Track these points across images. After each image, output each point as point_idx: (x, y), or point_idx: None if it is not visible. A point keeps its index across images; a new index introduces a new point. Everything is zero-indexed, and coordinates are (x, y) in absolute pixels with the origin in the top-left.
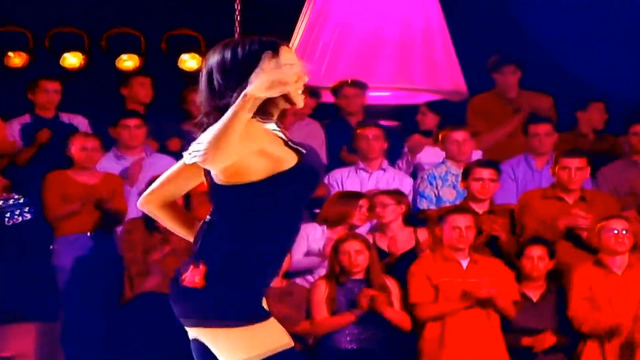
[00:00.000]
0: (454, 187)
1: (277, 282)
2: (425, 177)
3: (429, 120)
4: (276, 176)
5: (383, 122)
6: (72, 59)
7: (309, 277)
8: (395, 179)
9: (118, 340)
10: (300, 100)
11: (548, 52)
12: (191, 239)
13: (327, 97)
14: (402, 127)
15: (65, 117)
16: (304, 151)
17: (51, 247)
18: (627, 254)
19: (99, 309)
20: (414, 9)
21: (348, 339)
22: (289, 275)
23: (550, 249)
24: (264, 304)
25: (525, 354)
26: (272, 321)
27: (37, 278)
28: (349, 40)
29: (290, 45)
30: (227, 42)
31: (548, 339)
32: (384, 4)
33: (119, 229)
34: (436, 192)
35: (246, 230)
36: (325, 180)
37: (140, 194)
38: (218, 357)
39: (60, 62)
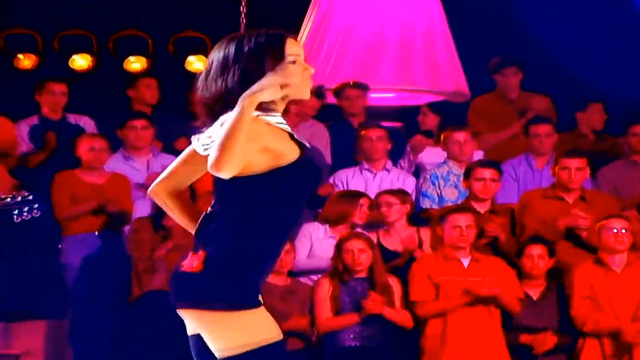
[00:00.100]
0: (456, 186)
1: (281, 280)
2: (428, 177)
3: (430, 120)
4: (277, 170)
5: (386, 123)
6: (80, 61)
7: (313, 276)
8: (399, 178)
9: (125, 338)
10: (306, 92)
11: (548, 53)
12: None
13: (330, 99)
14: (405, 128)
15: (72, 118)
16: (308, 145)
17: (59, 246)
18: (626, 253)
19: (107, 307)
20: (416, 12)
21: (351, 336)
22: (294, 274)
23: (550, 248)
24: (260, 299)
25: (525, 351)
26: (264, 311)
27: (46, 277)
28: (352, 42)
29: (299, 38)
30: (234, 36)
31: (549, 340)
32: (386, 7)
33: (126, 228)
34: (438, 191)
35: (245, 222)
36: (331, 181)
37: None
38: (208, 344)
39: (69, 64)
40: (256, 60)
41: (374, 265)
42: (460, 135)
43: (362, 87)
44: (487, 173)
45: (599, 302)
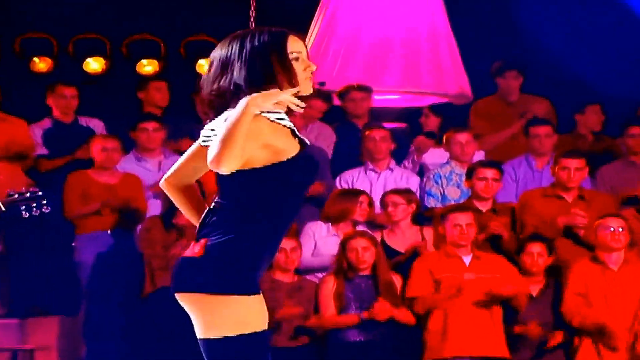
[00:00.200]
0: (458, 186)
1: (288, 278)
2: (431, 176)
3: (431, 122)
4: (277, 164)
5: (391, 124)
6: (94, 64)
7: (318, 273)
8: (403, 177)
9: (137, 334)
10: (308, 88)
11: (548, 57)
12: None
13: (334, 101)
14: (409, 129)
15: (84, 121)
16: (308, 142)
17: (73, 244)
18: (623, 251)
19: (119, 303)
20: (420, 16)
21: (355, 331)
22: (300, 271)
23: (549, 246)
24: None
25: (524, 346)
26: (256, 301)
27: (60, 274)
28: (358, 46)
29: (306, 42)
30: (237, 34)
31: (556, 336)
32: (391, 11)
33: (139, 227)
34: (441, 190)
35: (245, 213)
36: (337, 182)
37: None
38: (195, 326)
39: (83, 67)
40: (260, 58)
41: (377, 263)
42: (462, 136)
43: (367, 90)
44: (489, 173)
45: (591, 299)
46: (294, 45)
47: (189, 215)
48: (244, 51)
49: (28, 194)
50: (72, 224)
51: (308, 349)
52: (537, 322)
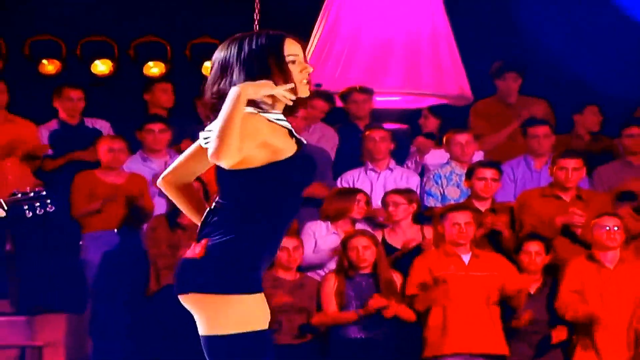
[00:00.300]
0: (458, 186)
1: (291, 275)
2: (432, 176)
3: (431, 123)
4: (275, 163)
5: (393, 125)
6: (101, 66)
7: (320, 271)
8: (403, 177)
9: (142, 331)
10: (305, 90)
11: (547, 58)
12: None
13: (336, 102)
14: (410, 130)
15: (90, 122)
16: (305, 141)
17: (80, 243)
18: (618, 250)
19: (125, 301)
20: (421, 18)
21: (356, 328)
22: (302, 269)
23: (547, 245)
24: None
25: (522, 342)
26: (258, 299)
27: (67, 272)
28: (360, 48)
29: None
30: (236, 37)
31: (560, 333)
32: (392, 14)
33: (144, 226)
34: (441, 190)
35: (245, 213)
36: (338, 183)
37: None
38: (198, 324)
39: (91, 69)
40: (258, 60)
41: (378, 262)
42: (462, 137)
43: (369, 92)
44: (488, 173)
45: (587, 297)
46: (290, 48)
47: (188, 213)
48: (242, 54)
49: (32, 194)
50: (78, 223)
51: (311, 346)
52: (529, 312)
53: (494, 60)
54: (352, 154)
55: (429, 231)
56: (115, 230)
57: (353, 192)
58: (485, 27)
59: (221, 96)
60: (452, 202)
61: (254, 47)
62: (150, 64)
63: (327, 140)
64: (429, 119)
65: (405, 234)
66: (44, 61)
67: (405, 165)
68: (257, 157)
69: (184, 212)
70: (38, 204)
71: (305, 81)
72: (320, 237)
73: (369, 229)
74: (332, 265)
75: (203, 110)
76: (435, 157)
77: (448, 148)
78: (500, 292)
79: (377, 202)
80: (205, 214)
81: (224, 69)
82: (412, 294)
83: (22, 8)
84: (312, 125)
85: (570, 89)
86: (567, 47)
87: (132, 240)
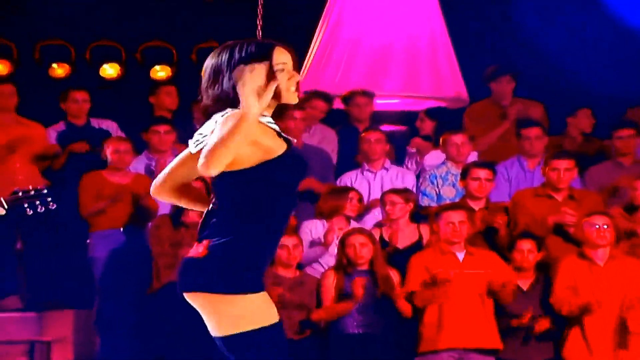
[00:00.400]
0: (454, 185)
1: (290, 273)
2: (428, 176)
3: (427, 126)
4: (266, 163)
5: (392, 127)
6: (109, 70)
7: (319, 268)
8: (398, 175)
9: (147, 327)
10: (293, 98)
11: (541, 62)
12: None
13: (336, 104)
14: (409, 131)
15: (96, 123)
16: (293, 140)
17: (87, 241)
18: (608, 247)
19: (131, 298)
20: (420, 23)
21: (355, 324)
22: (301, 266)
23: (539, 243)
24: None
25: (516, 338)
26: (264, 296)
27: (75, 269)
28: (361, 52)
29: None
30: (228, 44)
31: (543, 323)
32: (392, 19)
33: (149, 224)
34: (437, 190)
35: (242, 213)
36: (337, 184)
37: None
38: (208, 325)
39: (99, 73)
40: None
41: (375, 259)
42: (458, 138)
43: (370, 95)
44: (482, 173)
45: (579, 292)
46: (279, 56)
47: (190, 207)
48: (232, 60)
49: (33, 192)
50: (86, 222)
51: (311, 341)
52: (530, 311)
53: (489, 64)
54: (352, 155)
55: (425, 229)
56: (122, 229)
57: (345, 190)
58: (481, 31)
59: (215, 101)
60: (448, 201)
61: (243, 54)
62: (157, 67)
63: (327, 142)
64: (425, 122)
65: (403, 233)
66: (54, 65)
67: (405, 166)
68: (249, 157)
69: (188, 207)
70: (39, 201)
71: (293, 89)
72: (316, 234)
73: (366, 228)
74: (331, 262)
75: (197, 115)
76: (433, 158)
77: (444, 148)
78: (488, 287)
79: (376, 202)
80: (204, 215)
81: (216, 74)
82: (412, 290)
83: (32, 13)
84: (313, 127)
85: (564, 91)
86: (561, 51)
87: (138, 239)
